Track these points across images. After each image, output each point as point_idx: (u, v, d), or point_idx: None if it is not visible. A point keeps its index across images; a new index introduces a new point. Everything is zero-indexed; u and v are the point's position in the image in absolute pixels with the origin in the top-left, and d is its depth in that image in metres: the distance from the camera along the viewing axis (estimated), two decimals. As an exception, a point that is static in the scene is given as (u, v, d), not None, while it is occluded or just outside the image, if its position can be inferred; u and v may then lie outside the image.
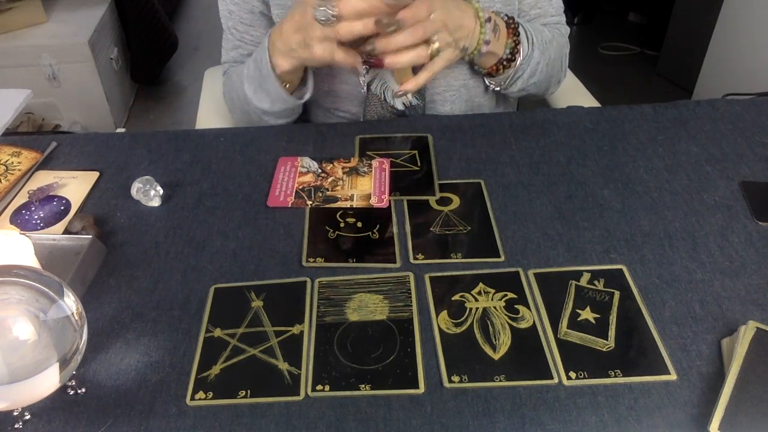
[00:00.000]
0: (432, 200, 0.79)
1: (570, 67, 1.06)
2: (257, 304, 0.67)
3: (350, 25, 0.73)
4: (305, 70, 0.89)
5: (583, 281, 0.67)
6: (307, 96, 0.90)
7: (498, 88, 0.95)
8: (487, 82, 0.95)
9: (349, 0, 0.72)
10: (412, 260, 0.71)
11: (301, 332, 0.64)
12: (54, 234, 0.75)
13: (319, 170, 0.83)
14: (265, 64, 0.85)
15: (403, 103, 0.93)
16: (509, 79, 0.92)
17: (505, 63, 0.89)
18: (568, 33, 1.01)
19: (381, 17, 0.73)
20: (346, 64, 0.78)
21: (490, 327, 0.63)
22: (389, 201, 0.79)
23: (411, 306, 0.66)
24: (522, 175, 0.82)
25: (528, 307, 0.65)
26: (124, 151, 0.90)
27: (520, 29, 0.88)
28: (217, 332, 0.64)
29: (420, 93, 0.94)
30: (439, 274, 0.69)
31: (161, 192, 0.80)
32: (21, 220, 0.79)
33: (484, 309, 0.65)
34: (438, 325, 0.64)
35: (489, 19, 0.83)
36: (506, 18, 0.87)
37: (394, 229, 0.75)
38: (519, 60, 0.89)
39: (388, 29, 0.73)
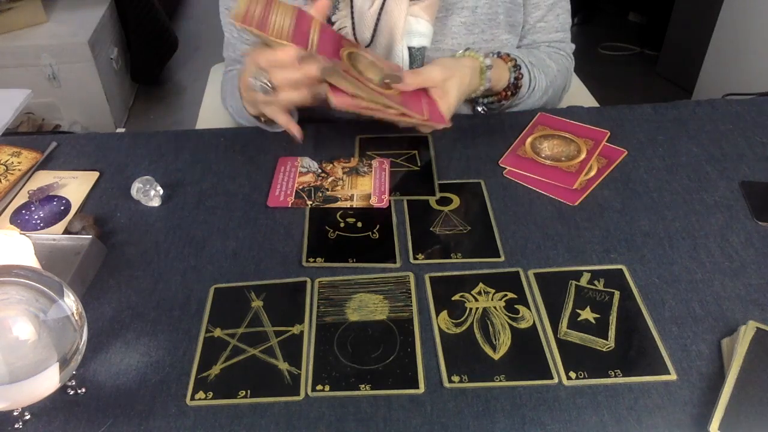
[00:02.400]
0: (432, 200, 0.79)
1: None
2: (257, 304, 0.67)
3: (288, 95, 0.74)
4: None
5: (583, 281, 0.67)
6: (279, 128, 0.89)
7: (482, 110, 0.94)
8: (471, 103, 0.95)
9: (281, 71, 0.71)
10: (412, 260, 0.71)
11: (301, 332, 0.64)
12: (54, 234, 0.75)
13: (319, 170, 0.83)
14: (239, 98, 0.86)
15: None
16: (496, 110, 0.92)
17: (497, 97, 0.90)
18: (573, 50, 1.00)
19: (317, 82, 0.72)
20: (287, 128, 0.79)
21: (490, 327, 0.63)
22: (389, 201, 0.79)
23: (411, 306, 0.66)
24: (522, 175, 0.82)
25: (528, 307, 0.65)
26: (124, 151, 0.90)
27: (523, 80, 0.87)
28: (217, 332, 0.64)
29: None
30: (439, 274, 0.69)
31: (161, 192, 0.80)
32: (21, 220, 0.79)
33: (484, 309, 0.65)
34: (438, 325, 0.64)
35: (489, 75, 0.83)
36: (513, 70, 0.87)
37: (394, 229, 0.75)
38: (507, 102, 0.89)
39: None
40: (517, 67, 0.86)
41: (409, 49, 0.85)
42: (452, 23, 0.88)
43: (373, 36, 0.84)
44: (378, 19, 0.83)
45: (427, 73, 0.77)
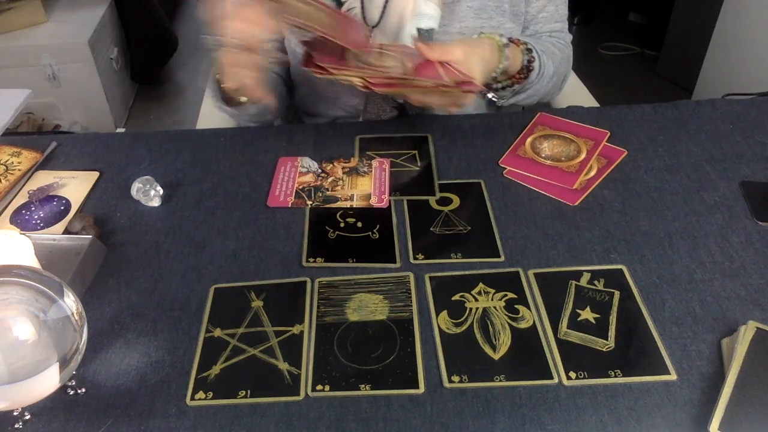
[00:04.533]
0: (432, 200, 0.79)
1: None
2: (257, 304, 0.67)
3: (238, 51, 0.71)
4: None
5: (583, 281, 0.67)
6: (244, 102, 0.86)
7: (493, 98, 0.94)
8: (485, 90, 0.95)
9: (230, 22, 0.70)
10: (412, 260, 0.71)
11: (301, 332, 0.64)
12: (54, 234, 0.75)
13: (319, 170, 0.83)
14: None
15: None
16: (507, 96, 0.92)
17: (510, 81, 0.89)
18: (571, 39, 1.01)
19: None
20: (253, 95, 0.77)
21: (490, 327, 0.63)
22: (389, 201, 0.79)
23: (411, 306, 0.66)
24: (522, 175, 0.82)
25: (528, 307, 0.65)
26: (124, 151, 0.90)
27: (535, 64, 0.87)
28: (217, 332, 0.64)
29: None
30: (439, 274, 0.69)
31: (161, 192, 0.80)
32: (21, 220, 0.79)
33: (484, 309, 0.65)
34: (438, 325, 0.64)
35: (507, 53, 0.83)
36: (525, 53, 0.87)
37: (394, 229, 0.75)
38: (519, 86, 0.89)
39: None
40: (528, 50, 0.87)
41: (418, 30, 0.85)
42: (460, 7, 0.89)
43: (381, 17, 0.85)
44: (387, 0, 0.84)
45: (448, 46, 0.77)
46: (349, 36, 0.74)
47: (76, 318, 0.55)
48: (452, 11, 0.89)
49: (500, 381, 0.58)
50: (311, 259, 0.71)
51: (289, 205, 0.79)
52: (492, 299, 0.66)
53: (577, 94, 1.15)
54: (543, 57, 0.89)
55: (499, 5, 0.91)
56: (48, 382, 0.53)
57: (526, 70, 0.87)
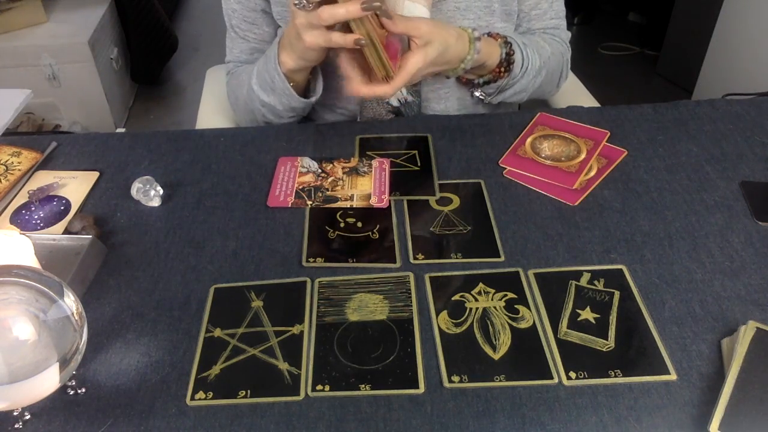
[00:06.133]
0: (432, 200, 0.79)
1: (570, 67, 1.06)
2: (257, 304, 0.67)
3: (332, 9, 0.70)
4: (314, 73, 0.89)
5: (583, 281, 0.67)
6: (313, 98, 0.90)
7: (480, 96, 0.95)
8: (468, 88, 0.95)
9: None
10: (412, 260, 0.71)
11: (301, 332, 0.64)
12: (54, 234, 0.75)
13: (319, 170, 0.83)
14: (272, 59, 0.85)
15: (398, 99, 0.93)
16: (493, 93, 0.92)
17: (489, 78, 0.90)
18: (569, 37, 1.01)
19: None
20: (345, 44, 0.74)
21: (490, 327, 0.63)
22: (389, 201, 0.79)
23: (411, 306, 0.66)
24: (522, 175, 0.82)
25: (528, 307, 0.65)
26: (124, 151, 0.90)
27: (516, 57, 0.87)
28: (217, 332, 0.64)
29: (415, 90, 0.94)
30: (439, 274, 0.69)
31: (161, 192, 0.80)
32: (21, 220, 0.79)
33: (484, 309, 0.65)
34: (438, 325, 0.64)
35: (478, 46, 0.83)
36: (503, 45, 0.87)
37: (394, 229, 0.75)
38: (502, 80, 0.89)
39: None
40: (507, 44, 0.87)
41: None
42: (447, 7, 0.89)
43: None
44: None
45: (416, 21, 0.76)
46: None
47: (76, 318, 0.55)
48: (439, 11, 0.88)
49: (500, 381, 0.58)
50: (311, 259, 0.71)
51: (289, 205, 0.79)
52: (492, 299, 0.66)
53: (577, 94, 1.15)
54: (526, 50, 0.89)
55: (489, 5, 0.90)
56: (48, 382, 0.53)
57: (507, 63, 0.87)
